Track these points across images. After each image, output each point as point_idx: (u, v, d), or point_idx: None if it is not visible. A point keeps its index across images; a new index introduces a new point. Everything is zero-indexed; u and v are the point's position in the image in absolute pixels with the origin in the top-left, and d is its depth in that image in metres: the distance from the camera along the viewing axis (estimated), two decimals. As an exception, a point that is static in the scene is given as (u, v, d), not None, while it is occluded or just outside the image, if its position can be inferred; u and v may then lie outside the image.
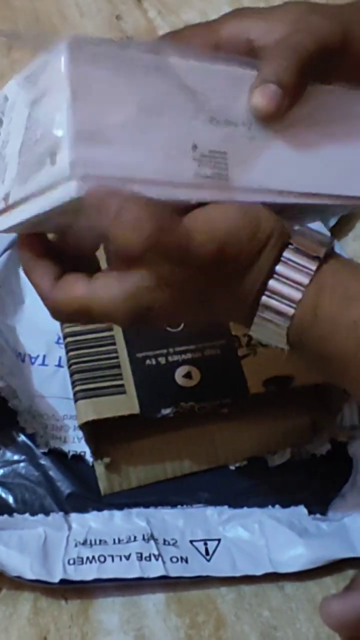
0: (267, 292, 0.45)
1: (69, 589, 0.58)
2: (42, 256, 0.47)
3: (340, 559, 0.59)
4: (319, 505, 0.63)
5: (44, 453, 0.64)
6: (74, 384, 0.62)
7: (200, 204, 0.45)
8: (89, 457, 0.64)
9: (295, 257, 0.45)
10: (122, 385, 0.61)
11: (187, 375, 0.62)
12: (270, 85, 0.45)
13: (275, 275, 0.45)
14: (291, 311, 0.44)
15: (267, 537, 0.61)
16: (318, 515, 0.63)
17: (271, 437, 0.64)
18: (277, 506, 0.63)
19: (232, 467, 0.65)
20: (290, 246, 0.45)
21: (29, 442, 0.65)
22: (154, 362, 0.62)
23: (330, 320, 0.45)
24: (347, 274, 0.46)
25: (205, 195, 0.45)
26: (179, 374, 0.62)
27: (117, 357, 0.62)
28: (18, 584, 0.58)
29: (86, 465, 0.64)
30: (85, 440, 0.63)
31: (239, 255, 0.44)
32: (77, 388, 0.61)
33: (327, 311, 0.45)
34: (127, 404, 0.60)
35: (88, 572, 0.58)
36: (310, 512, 0.63)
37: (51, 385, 0.68)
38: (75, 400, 0.61)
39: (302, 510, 0.63)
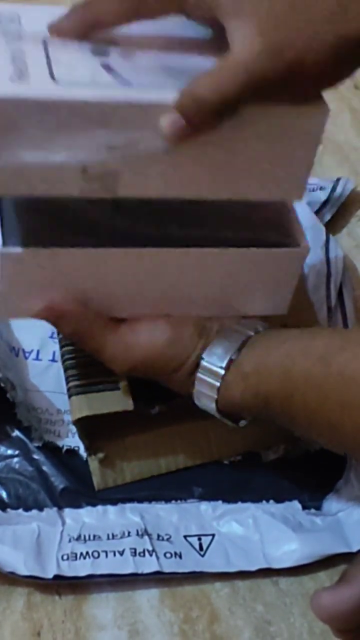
0: (196, 383, 0.56)
1: (62, 584, 0.58)
2: None
3: (334, 554, 0.59)
4: (313, 501, 0.63)
5: (37, 448, 0.64)
6: (67, 379, 0.62)
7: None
8: (83, 452, 0.64)
9: (203, 375, 0.55)
10: (116, 381, 0.61)
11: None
12: (175, 116, 0.45)
13: (196, 379, 0.56)
14: (214, 399, 0.55)
15: (262, 532, 0.61)
16: (312, 511, 0.63)
17: (265, 432, 0.64)
18: (271, 501, 0.63)
19: (226, 462, 0.65)
20: (201, 363, 0.55)
21: (22, 437, 0.64)
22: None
23: (261, 368, 0.53)
24: (261, 350, 0.55)
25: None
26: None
27: (111, 352, 0.62)
28: (11, 579, 0.58)
29: (80, 460, 0.64)
30: (79, 436, 0.63)
31: (155, 371, 0.57)
32: (71, 384, 0.61)
33: (233, 394, 0.55)
34: (121, 399, 0.60)
35: (82, 568, 0.58)
36: (304, 507, 0.63)
37: (45, 380, 0.68)
38: (69, 396, 0.61)
39: (296, 505, 0.63)
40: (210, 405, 0.56)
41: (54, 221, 0.53)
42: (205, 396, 0.56)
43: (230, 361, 0.54)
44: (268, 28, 0.44)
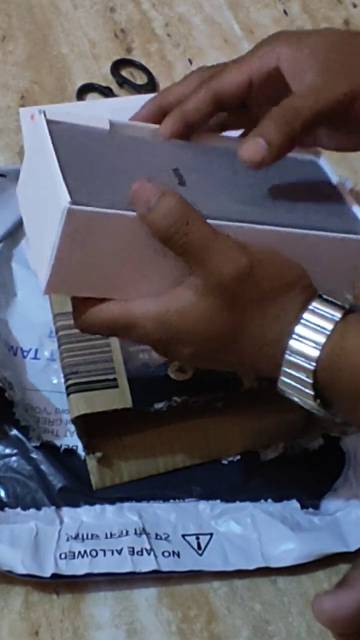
0: (294, 336, 0.48)
1: (60, 583, 0.58)
2: None
3: (332, 553, 0.59)
4: (312, 500, 0.63)
5: (35, 447, 0.64)
6: (66, 377, 0.61)
7: None
8: (81, 451, 0.64)
9: (322, 306, 0.49)
10: (114, 379, 0.61)
11: (180, 369, 0.62)
12: (259, 139, 0.50)
13: (302, 321, 0.48)
14: (316, 352, 0.48)
15: (260, 531, 0.61)
16: (310, 510, 0.63)
17: (264, 431, 0.64)
18: (269, 500, 0.63)
19: (224, 462, 0.65)
20: (318, 298, 0.49)
21: (20, 436, 0.64)
22: (146, 355, 0.62)
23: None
24: None
25: None
26: (172, 367, 0.62)
27: (109, 351, 0.62)
28: (9, 578, 0.58)
29: (78, 459, 0.64)
30: (77, 435, 0.63)
31: (265, 281, 0.48)
32: (70, 382, 0.61)
33: (355, 343, 0.48)
34: (119, 398, 0.60)
35: (80, 567, 0.58)
36: (302, 507, 0.62)
37: (43, 379, 0.68)
38: (68, 394, 0.61)
39: (294, 504, 0.63)
40: (304, 380, 0.49)
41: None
42: (303, 356, 0.48)
43: (346, 311, 0.48)
44: (323, 71, 0.54)
